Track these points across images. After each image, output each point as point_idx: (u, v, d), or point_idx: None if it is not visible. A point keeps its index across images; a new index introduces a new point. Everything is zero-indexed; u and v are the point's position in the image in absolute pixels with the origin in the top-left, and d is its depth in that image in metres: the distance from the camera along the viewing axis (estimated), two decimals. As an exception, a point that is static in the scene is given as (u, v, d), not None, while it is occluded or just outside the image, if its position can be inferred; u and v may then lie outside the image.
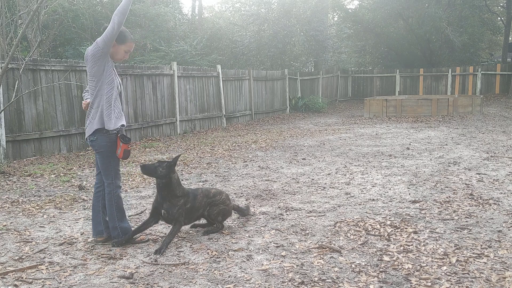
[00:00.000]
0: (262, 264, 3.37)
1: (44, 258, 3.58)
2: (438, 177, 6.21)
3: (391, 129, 12.26)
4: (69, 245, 3.87)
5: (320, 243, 3.76)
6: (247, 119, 15.41)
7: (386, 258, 3.42)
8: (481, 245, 3.64)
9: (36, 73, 8.32)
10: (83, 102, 3.85)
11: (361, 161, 7.60)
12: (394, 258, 3.40)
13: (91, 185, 6.02)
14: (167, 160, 3.91)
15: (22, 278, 3.19)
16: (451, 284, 2.97)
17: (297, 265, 3.32)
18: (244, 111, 15.31)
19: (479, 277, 3.07)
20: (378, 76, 23.89)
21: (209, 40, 19.20)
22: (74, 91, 9.00)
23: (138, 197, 5.55)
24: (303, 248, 3.66)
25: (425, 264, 3.29)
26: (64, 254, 3.68)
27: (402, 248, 3.61)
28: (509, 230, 4.01)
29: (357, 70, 25.48)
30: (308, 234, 4.02)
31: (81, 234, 4.17)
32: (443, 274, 3.13)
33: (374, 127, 12.90)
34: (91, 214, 4.00)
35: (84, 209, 5.05)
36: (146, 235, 4.05)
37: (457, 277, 3.07)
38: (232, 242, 3.84)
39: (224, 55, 20.86)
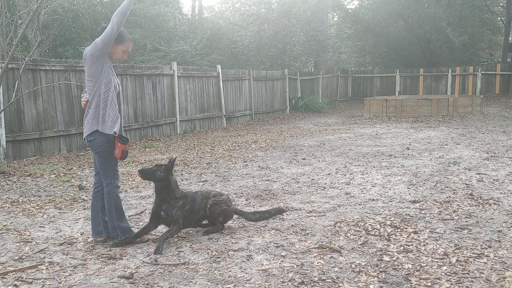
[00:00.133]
0: (262, 264, 3.37)
1: (44, 258, 3.58)
2: (438, 177, 6.21)
3: (391, 129, 12.26)
4: (69, 245, 3.87)
5: (320, 243, 3.76)
6: (247, 119, 15.41)
7: (386, 258, 3.42)
8: (481, 245, 3.64)
9: (36, 73, 8.32)
10: (82, 99, 3.85)
11: (361, 161, 7.60)
12: (394, 258, 3.40)
13: (91, 185, 6.01)
14: (164, 163, 3.92)
15: (22, 278, 3.19)
16: (451, 284, 2.98)
17: (297, 265, 3.32)
18: (244, 111, 15.31)
19: (479, 277, 3.07)
20: (378, 76, 23.89)
21: (209, 40, 19.20)
22: (74, 91, 9.00)
23: (138, 197, 5.55)
24: (303, 248, 3.66)
25: (425, 264, 3.29)
26: (64, 254, 3.68)
27: (402, 248, 3.61)
28: (509, 230, 4.01)
29: (357, 70, 25.47)
30: (308, 234, 4.02)
31: (81, 234, 4.17)
32: (443, 274, 3.13)
33: (374, 127, 12.90)
34: (90, 214, 4.00)
35: (84, 209, 5.06)
36: (146, 234, 4.05)
37: (457, 277, 3.07)
38: (232, 242, 3.84)
39: (224, 55, 20.86)
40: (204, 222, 4.22)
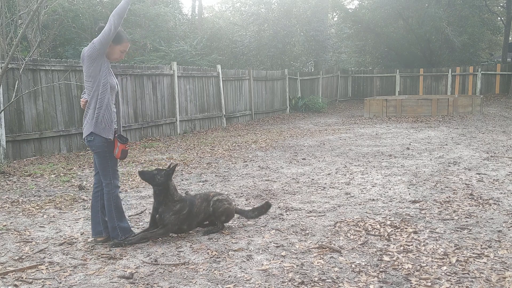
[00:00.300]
0: (262, 264, 3.37)
1: (44, 258, 3.58)
2: (438, 177, 6.21)
3: (391, 129, 12.26)
4: (69, 245, 3.87)
5: (320, 243, 3.76)
6: (247, 119, 15.41)
7: (386, 258, 3.42)
8: (481, 245, 3.64)
9: (36, 73, 8.32)
10: (81, 100, 3.85)
11: (361, 161, 7.60)
12: (394, 258, 3.40)
13: (91, 185, 6.00)
14: (165, 168, 3.92)
15: (22, 278, 3.19)
16: (451, 284, 2.98)
17: (297, 265, 3.32)
18: (244, 111, 15.31)
19: (479, 277, 3.07)
20: (378, 76, 23.88)
21: (209, 40, 19.20)
22: (74, 91, 9.00)
23: (138, 197, 5.55)
24: (303, 248, 3.66)
25: (425, 264, 3.29)
26: (64, 254, 3.68)
27: (402, 248, 3.61)
28: (509, 230, 4.01)
29: (357, 70, 25.47)
30: (308, 234, 4.02)
31: (81, 234, 4.17)
32: (443, 274, 3.13)
33: (374, 127, 12.90)
34: (90, 214, 4.00)
35: (84, 209, 5.06)
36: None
37: (457, 277, 3.07)
38: (232, 242, 3.84)
39: (224, 55, 20.86)
40: (205, 222, 4.23)
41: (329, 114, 17.86)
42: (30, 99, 8.22)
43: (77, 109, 9.03)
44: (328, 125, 13.90)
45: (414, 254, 3.48)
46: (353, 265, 3.30)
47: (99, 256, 3.61)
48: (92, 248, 3.80)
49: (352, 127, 13.08)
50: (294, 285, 3.01)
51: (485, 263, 3.30)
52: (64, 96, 8.86)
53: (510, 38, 24.82)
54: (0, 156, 7.58)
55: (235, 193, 5.60)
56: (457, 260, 3.35)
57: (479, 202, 4.91)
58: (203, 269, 3.29)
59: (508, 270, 3.17)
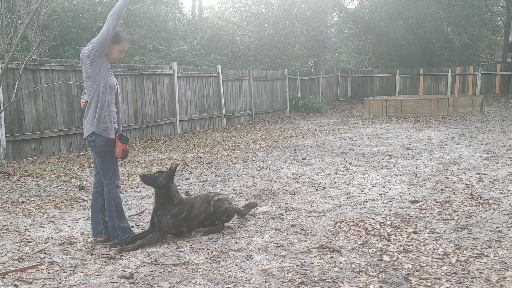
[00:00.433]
0: (262, 264, 3.37)
1: (44, 258, 3.58)
2: (438, 177, 6.21)
3: (391, 129, 12.26)
4: (69, 245, 3.87)
5: (320, 243, 3.76)
6: (247, 119, 15.41)
7: (386, 258, 3.42)
8: (481, 245, 3.64)
9: (36, 73, 8.32)
10: (81, 100, 3.85)
11: (361, 161, 7.60)
12: (394, 258, 3.41)
13: (91, 185, 6.01)
14: (166, 170, 3.92)
15: (22, 278, 3.19)
16: (451, 284, 2.98)
17: (297, 265, 3.32)
18: (244, 111, 15.31)
19: (479, 277, 3.07)
20: (378, 76, 23.89)
21: (209, 40, 19.20)
22: (74, 91, 9.00)
23: (138, 197, 5.55)
24: (303, 248, 3.66)
25: (425, 264, 3.29)
26: (64, 254, 3.68)
27: (402, 248, 3.61)
28: (509, 230, 4.01)
29: (357, 70, 25.47)
30: (308, 234, 4.02)
31: (81, 234, 4.17)
32: (443, 274, 3.13)
33: (374, 127, 12.90)
34: (90, 214, 4.00)
35: (84, 209, 5.05)
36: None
37: (457, 277, 3.07)
38: (232, 242, 3.84)
39: (224, 55, 20.86)
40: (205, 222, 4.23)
41: (329, 114, 17.86)
42: (30, 99, 8.22)
43: (77, 109, 9.03)
44: (328, 125, 13.90)
45: (414, 254, 3.48)
46: (353, 265, 3.30)
47: (99, 256, 3.61)
48: (92, 248, 3.80)
49: (352, 127, 13.08)
50: (294, 285, 3.01)
51: (485, 263, 3.30)
52: (64, 96, 8.86)
53: (510, 38, 24.82)
54: (0, 156, 7.58)
55: (235, 193, 5.60)
56: (457, 260, 3.35)
57: (479, 202, 4.91)
58: (203, 269, 3.29)
59: (508, 270, 3.17)
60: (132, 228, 4.03)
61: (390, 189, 5.64)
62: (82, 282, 3.13)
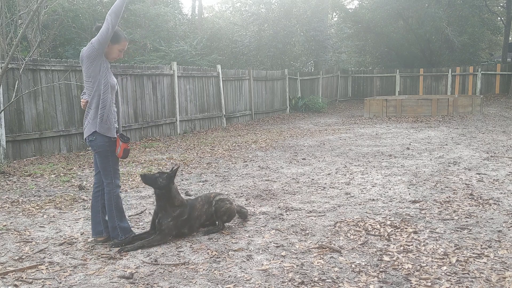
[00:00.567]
0: (262, 264, 3.37)
1: (44, 258, 3.58)
2: (438, 177, 6.21)
3: (391, 129, 12.26)
4: (69, 245, 3.87)
5: (320, 243, 3.76)
6: (247, 119, 15.41)
7: (386, 258, 3.42)
8: (481, 245, 3.64)
9: (36, 73, 8.32)
10: (81, 100, 3.85)
11: (361, 161, 7.60)
12: (394, 258, 3.40)
13: (91, 185, 6.01)
14: (167, 171, 3.91)
15: (22, 278, 3.19)
16: (451, 284, 2.97)
17: (297, 265, 3.32)
18: (244, 111, 15.31)
19: (479, 277, 3.07)
20: (378, 76, 23.89)
21: (209, 40, 19.20)
22: (74, 91, 9.00)
23: (138, 197, 5.55)
24: (303, 248, 3.66)
25: (425, 264, 3.29)
26: (64, 254, 3.68)
27: (402, 248, 3.61)
28: (509, 230, 4.01)
29: (357, 70, 25.47)
30: (308, 234, 4.02)
31: (81, 234, 4.17)
32: (443, 274, 3.13)
33: (374, 127, 12.90)
34: (90, 214, 4.00)
35: (84, 209, 5.05)
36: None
37: (457, 277, 3.07)
38: (232, 242, 3.84)
39: (224, 55, 20.86)
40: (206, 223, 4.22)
41: (329, 114, 17.86)
42: (30, 99, 8.22)
43: (77, 109, 9.03)
44: (328, 125, 13.90)
45: (414, 254, 3.48)
46: (353, 265, 3.30)
47: (99, 256, 3.61)
48: (92, 248, 3.80)
49: (352, 127, 13.08)
50: (294, 285, 3.01)
51: (485, 263, 3.30)
52: (64, 96, 8.86)
53: (510, 38, 24.82)
54: (0, 156, 7.58)
55: (235, 193, 5.60)
56: (457, 260, 3.35)
57: (479, 202, 4.91)
58: (203, 269, 3.29)
59: (508, 270, 3.17)
60: (132, 228, 4.03)
61: (390, 189, 5.64)
62: (82, 282, 3.13)
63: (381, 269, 3.22)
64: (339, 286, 2.99)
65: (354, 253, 3.53)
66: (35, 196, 5.68)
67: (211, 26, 22.41)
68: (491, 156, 7.65)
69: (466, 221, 4.27)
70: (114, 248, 3.75)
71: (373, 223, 4.26)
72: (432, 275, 3.11)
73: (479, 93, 20.84)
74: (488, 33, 25.74)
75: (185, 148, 9.59)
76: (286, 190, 5.70)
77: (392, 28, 24.31)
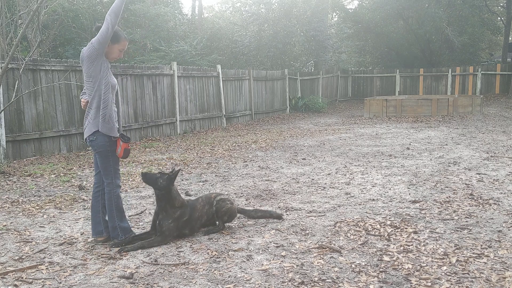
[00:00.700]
0: (262, 264, 3.37)
1: (44, 258, 3.58)
2: (438, 177, 6.21)
3: (391, 129, 12.26)
4: (69, 245, 3.87)
5: (320, 243, 3.76)
6: (247, 119, 15.41)
7: (386, 258, 3.42)
8: (481, 245, 3.64)
9: (36, 73, 8.32)
10: (82, 100, 3.85)
11: (361, 161, 7.60)
12: (394, 258, 3.40)
13: (91, 185, 6.00)
14: (168, 173, 3.90)
15: (22, 278, 3.19)
16: (451, 284, 2.97)
17: (297, 265, 3.32)
18: (244, 111, 15.31)
19: (479, 277, 3.07)
20: (378, 76, 23.89)
21: (209, 40, 19.20)
22: (74, 91, 9.00)
23: (138, 197, 5.55)
24: (303, 248, 3.66)
25: (425, 264, 3.29)
26: (64, 254, 3.68)
27: (402, 248, 3.61)
28: (509, 230, 4.01)
29: (357, 70, 25.47)
30: (308, 234, 4.02)
31: (81, 234, 4.17)
32: (443, 274, 3.13)
33: (374, 127, 12.90)
34: (90, 214, 4.00)
35: (84, 209, 5.06)
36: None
37: (457, 277, 3.07)
38: (232, 242, 3.84)
39: (224, 55, 20.85)
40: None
41: (329, 114, 17.86)
42: (30, 99, 8.22)
43: (77, 109, 9.03)
44: (328, 125, 13.90)
45: (414, 254, 3.48)
46: (353, 265, 3.30)
47: (99, 256, 3.61)
48: (92, 248, 3.80)
49: (352, 127, 13.08)
50: (294, 285, 3.01)
51: (485, 263, 3.30)
52: (64, 96, 8.86)
53: (510, 38, 24.82)
54: (0, 156, 7.58)
55: (235, 193, 5.60)
56: (457, 260, 3.35)
57: (479, 202, 4.91)
58: (203, 269, 3.29)
59: (508, 270, 3.17)
60: (132, 228, 4.03)
61: (390, 189, 5.64)
62: (82, 282, 3.13)
63: (381, 269, 3.22)
64: (339, 286, 2.99)
65: (354, 253, 3.53)
66: (35, 196, 5.68)
67: (211, 26, 22.40)
68: (491, 156, 7.65)
69: (466, 221, 4.27)
70: (114, 248, 3.75)
71: (373, 223, 4.26)
72: (432, 275, 3.11)
73: (479, 93, 20.83)
74: (488, 33, 25.74)
75: (185, 148, 9.59)
76: (286, 190, 5.70)
77: (392, 28, 24.31)
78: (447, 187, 5.63)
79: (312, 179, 6.30)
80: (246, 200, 5.28)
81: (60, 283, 3.13)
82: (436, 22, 21.22)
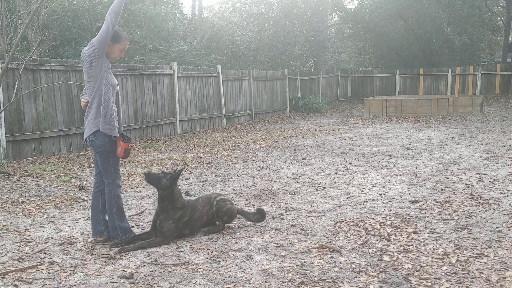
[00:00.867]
0: (262, 264, 3.37)
1: (44, 258, 3.58)
2: (438, 177, 6.21)
3: (391, 129, 12.26)
4: (69, 245, 3.87)
5: (320, 243, 3.76)
6: (247, 119, 15.41)
7: (386, 258, 3.42)
8: (481, 245, 3.64)
9: (36, 73, 8.32)
10: (82, 100, 3.85)
11: (361, 161, 7.60)
12: (394, 258, 3.40)
13: (91, 185, 6.00)
14: (171, 172, 3.90)
15: (22, 278, 3.19)
16: (451, 284, 2.97)
17: (297, 265, 3.32)
18: (244, 111, 15.31)
19: (479, 277, 3.07)
20: (378, 76, 23.88)
21: (209, 40, 19.20)
22: (74, 91, 9.00)
23: (138, 197, 5.55)
24: (303, 248, 3.66)
25: (425, 264, 3.29)
26: (64, 254, 3.68)
27: (402, 248, 3.61)
28: (509, 230, 4.01)
29: (357, 70, 25.47)
30: (308, 234, 4.02)
31: (81, 234, 4.17)
32: (443, 274, 3.13)
33: (374, 127, 12.90)
34: (90, 214, 4.00)
35: (84, 209, 5.06)
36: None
37: (457, 277, 3.07)
38: (232, 242, 3.84)
39: (224, 55, 20.86)
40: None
41: (329, 114, 17.86)
42: (30, 99, 8.22)
43: (77, 109, 9.03)
44: (328, 125, 13.90)
45: (414, 254, 3.48)
46: (353, 265, 3.30)
47: (99, 256, 3.61)
48: (92, 248, 3.80)
49: (352, 127, 13.08)
50: (294, 285, 3.01)
51: (485, 263, 3.30)
52: (64, 96, 8.86)
53: (510, 38, 24.81)
54: (0, 156, 7.58)
55: (235, 193, 5.60)
56: (457, 260, 3.35)
57: (479, 202, 4.91)
58: (203, 269, 3.29)
59: (508, 270, 3.17)
60: (132, 228, 4.03)
61: (390, 189, 5.64)
62: (82, 282, 3.13)
63: (381, 269, 3.22)
64: (339, 286, 2.99)
65: (354, 253, 3.53)
66: (35, 196, 5.68)
67: (211, 26, 22.41)
68: (491, 156, 7.65)
69: (466, 221, 4.27)
70: (114, 248, 3.75)
71: (373, 223, 4.26)
72: (432, 275, 3.11)
73: (479, 93, 20.83)
74: (488, 33, 25.73)
75: (185, 148, 9.59)
76: (286, 190, 5.70)
77: (392, 28, 24.31)
78: (447, 187, 5.63)
79: (312, 179, 6.30)
80: (246, 200, 5.28)
81: (60, 283, 3.13)
82: (436, 22, 21.22)
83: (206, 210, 4.07)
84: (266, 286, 3.01)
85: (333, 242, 3.79)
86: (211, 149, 9.36)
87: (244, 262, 3.42)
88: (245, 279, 3.12)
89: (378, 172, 6.65)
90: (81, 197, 5.58)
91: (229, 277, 3.16)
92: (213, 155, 8.56)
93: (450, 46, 22.76)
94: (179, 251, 3.67)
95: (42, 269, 3.35)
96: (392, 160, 7.65)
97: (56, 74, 8.65)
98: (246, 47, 20.58)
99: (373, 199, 5.15)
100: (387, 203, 4.99)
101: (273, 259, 3.46)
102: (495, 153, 8.00)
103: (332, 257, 3.47)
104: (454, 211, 4.59)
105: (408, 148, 8.78)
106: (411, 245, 3.67)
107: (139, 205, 5.19)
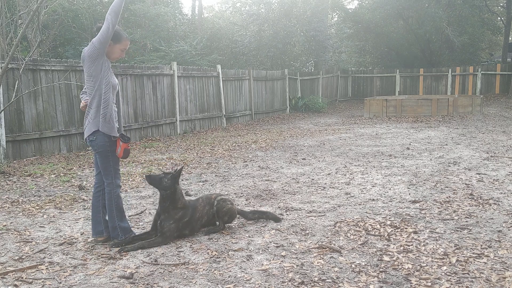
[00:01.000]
0: (262, 264, 3.37)
1: (44, 258, 3.58)
2: (438, 177, 6.21)
3: (391, 129, 12.26)
4: (69, 245, 3.87)
5: (320, 243, 3.76)
6: (247, 119, 15.41)
7: (386, 258, 3.42)
8: (481, 245, 3.64)
9: (36, 73, 8.32)
10: (82, 102, 3.85)
11: (361, 161, 7.60)
12: (394, 258, 3.40)
13: (91, 185, 6.02)
14: (171, 172, 3.90)
15: (22, 278, 3.19)
16: (451, 284, 2.97)
17: (297, 265, 3.32)
18: (244, 111, 15.31)
19: (479, 277, 3.07)
20: (378, 76, 23.88)
21: (209, 40, 19.21)
22: (74, 91, 9.00)
23: (138, 197, 5.55)
24: (303, 248, 3.66)
25: (425, 264, 3.29)
26: (64, 254, 3.68)
27: (402, 248, 3.61)
28: (509, 230, 4.01)
29: (357, 70, 25.47)
30: (308, 234, 4.02)
31: (81, 234, 4.17)
32: (443, 274, 3.13)
33: (374, 127, 12.90)
34: (91, 214, 4.00)
35: (84, 209, 5.06)
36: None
37: (457, 277, 3.07)
38: (232, 242, 3.84)
39: (224, 55, 20.86)
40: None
41: (329, 114, 17.86)
42: (30, 99, 8.22)
43: (77, 109, 9.03)
44: (328, 125, 13.90)
45: (414, 254, 3.48)
46: (353, 265, 3.30)
47: (99, 256, 3.61)
48: (92, 248, 3.80)
49: (352, 127, 13.08)
50: (294, 285, 3.01)
51: (485, 263, 3.30)
52: (64, 96, 8.86)
53: (510, 38, 24.81)
54: (0, 156, 7.58)
55: (235, 193, 5.60)
56: (457, 260, 3.35)
57: (479, 202, 4.91)
58: (203, 269, 3.29)
59: (508, 270, 3.17)
60: (132, 228, 4.03)
61: (390, 189, 5.64)
62: (82, 282, 3.13)
63: (381, 269, 3.22)
64: (339, 286, 2.99)
65: (354, 253, 3.53)
66: (35, 196, 5.68)
67: (211, 26, 22.41)
68: (491, 156, 7.65)
69: (466, 221, 4.27)
70: (114, 248, 3.75)
71: (373, 223, 4.26)
72: (432, 275, 3.11)
73: (479, 93, 20.83)
74: (488, 33, 25.73)
75: (185, 148, 9.59)
76: (286, 190, 5.70)
77: (392, 28, 24.30)
78: (447, 187, 5.63)
79: (312, 179, 6.30)
80: (246, 200, 5.28)
81: (60, 283, 3.13)
82: (436, 22, 21.21)
83: (206, 210, 4.07)
84: (266, 286, 3.01)
85: (333, 242, 3.80)
86: (211, 149, 9.36)
87: (244, 262, 3.42)
88: (245, 279, 3.12)
89: (378, 172, 6.65)
90: (81, 197, 5.58)
91: (229, 277, 3.16)
92: (213, 155, 8.56)
93: (450, 46, 22.76)
94: (179, 251, 3.67)
95: (42, 269, 3.35)
96: (392, 160, 7.65)
97: (56, 74, 8.65)
98: (246, 47, 20.58)
99: (373, 199, 5.15)
100: (387, 203, 4.99)
101: (273, 259, 3.46)
102: (495, 153, 8.00)
103: (332, 257, 3.47)
104: (454, 211, 4.59)
105: (408, 148, 8.78)
106: (411, 245, 3.67)
107: (139, 205, 5.19)
